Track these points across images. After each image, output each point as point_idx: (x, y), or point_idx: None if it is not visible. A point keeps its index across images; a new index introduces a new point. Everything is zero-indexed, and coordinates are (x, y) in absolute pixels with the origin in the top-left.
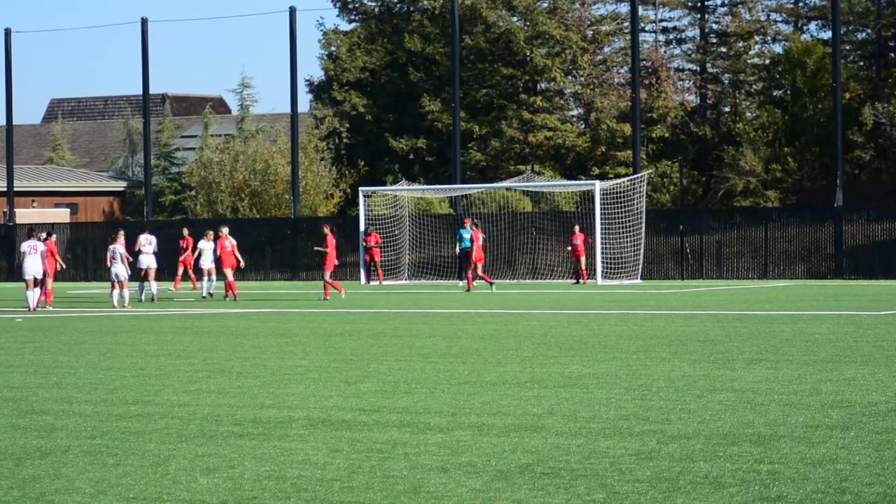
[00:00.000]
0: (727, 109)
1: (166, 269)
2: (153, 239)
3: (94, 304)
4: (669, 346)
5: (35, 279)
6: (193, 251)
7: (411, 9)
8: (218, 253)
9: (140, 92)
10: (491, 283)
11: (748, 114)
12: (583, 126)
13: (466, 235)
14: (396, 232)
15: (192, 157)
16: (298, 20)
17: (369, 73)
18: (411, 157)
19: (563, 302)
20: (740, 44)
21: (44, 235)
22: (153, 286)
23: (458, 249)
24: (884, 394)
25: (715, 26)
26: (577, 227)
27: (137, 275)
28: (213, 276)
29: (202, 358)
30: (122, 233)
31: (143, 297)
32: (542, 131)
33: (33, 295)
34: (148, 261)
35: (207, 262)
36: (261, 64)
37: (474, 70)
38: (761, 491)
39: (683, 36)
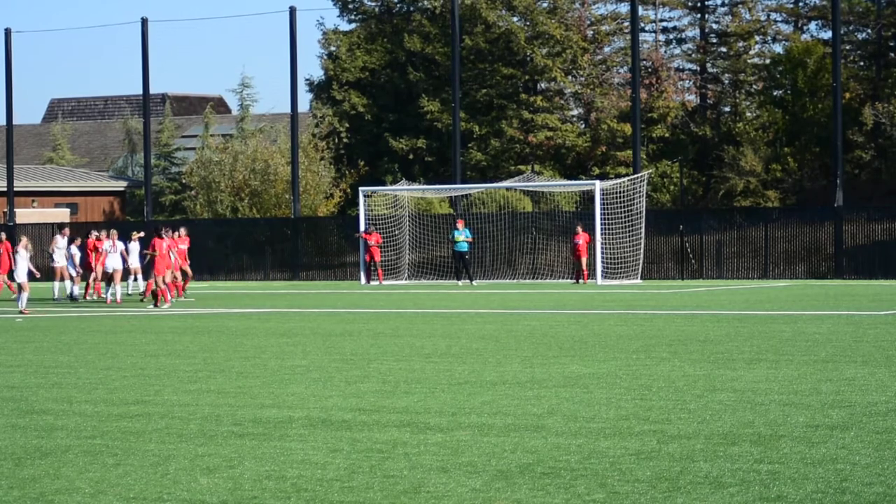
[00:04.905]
0: (727, 109)
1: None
2: (59, 239)
3: (100, 304)
4: (669, 346)
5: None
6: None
7: (411, 9)
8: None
9: (140, 92)
10: (175, 299)
11: (748, 114)
12: (583, 126)
13: (460, 237)
14: (396, 232)
15: (192, 157)
16: (298, 20)
17: (369, 72)
18: (411, 157)
19: (563, 302)
20: (740, 44)
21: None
22: (58, 285)
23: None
24: (884, 394)
25: (715, 26)
26: (580, 227)
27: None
28: (140, 276)
29: (202, 358)
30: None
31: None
32: (542, 131)
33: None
34: (61, 260)
35: (134, 262)
36: (261, 64)
37: (474, 70)
38: (761, 491)
39: (683, 36)
